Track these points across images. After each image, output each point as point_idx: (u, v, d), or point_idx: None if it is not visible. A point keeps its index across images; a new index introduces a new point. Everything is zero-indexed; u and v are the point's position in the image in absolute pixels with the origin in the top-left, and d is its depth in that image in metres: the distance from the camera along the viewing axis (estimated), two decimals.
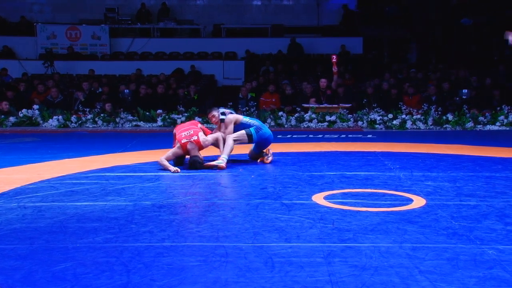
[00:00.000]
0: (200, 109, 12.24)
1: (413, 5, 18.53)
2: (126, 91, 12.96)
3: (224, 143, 6.27)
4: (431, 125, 10.94)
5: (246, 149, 6.77)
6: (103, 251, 3.28)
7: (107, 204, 4.45)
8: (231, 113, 6.63)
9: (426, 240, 3.46)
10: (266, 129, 6.52)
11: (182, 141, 6.14)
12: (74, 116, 11.59)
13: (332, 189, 4.98)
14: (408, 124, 10.91)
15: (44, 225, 3.85)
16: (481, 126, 10.81)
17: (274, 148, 7.07)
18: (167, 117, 11.66)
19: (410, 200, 4.54)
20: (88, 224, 3.87)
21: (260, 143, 6.46)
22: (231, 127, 6.39)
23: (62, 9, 19.30)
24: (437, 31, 17.09)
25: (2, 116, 11.57)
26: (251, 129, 6.39)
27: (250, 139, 6.40)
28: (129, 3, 19.25)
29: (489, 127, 10.77)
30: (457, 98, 12.05)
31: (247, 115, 11.46)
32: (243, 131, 6.38)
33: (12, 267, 3.05)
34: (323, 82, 12.10)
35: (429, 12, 17.66)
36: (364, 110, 11.48)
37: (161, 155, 6.29)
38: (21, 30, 18.25)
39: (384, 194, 4.79)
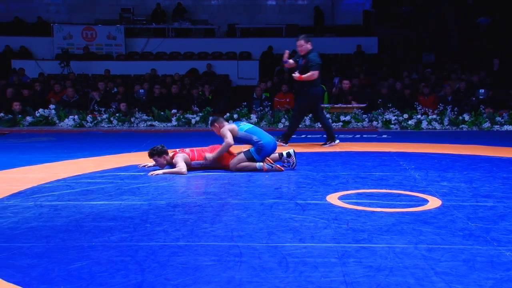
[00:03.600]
0: (214, 109, 12.28)
1: (429, 4, 18.39)
2: (141, 91, 13.04)
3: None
4: (447, 125, 10.85)
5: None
6: (118, 250, 3.30)
7: (122, 204, 4.48)
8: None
9: (442, 241, 3.43)
10: (266, 140, 5.99)
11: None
12: (89, 115, 11.70)
13: (347, 189, 4.96)
14: (424, 124, 10.83)
15: (60, 224, 3.88)
16: (498, 126, 10.70)
17: (288, 148, 7.05)
18: (181, 117, 11.71)
19: (425, 201, 4.50)
20: (103, 223, 3.90)
21: (264, 157, 6.06)
22: (228, 134, 5.99)
23: (78, 9, 19.50)
24: (453, 31, 16.94)
25: (19, 116, 11.71)
26: (251, 150, 6.00)
27: (252, 161, 6.00)
28: (144, 3, 19.37)
29: (506, 127, 10.65)
30: (474, 98, 11.94)
31: (260, 116, 11.52)
32: (242, 156, 6.00)
33: (29, 265, 3.09)
34: (345, 84, 12.02)
35: (445, 11, 17.51)
36: (379, 110, 11.42)
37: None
38: (38, 30, 18.46)
39: (399, 195, 4.76)
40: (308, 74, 7.59)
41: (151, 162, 6.19)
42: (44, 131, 10.90)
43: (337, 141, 8.12)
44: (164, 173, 5.84)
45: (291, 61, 7.96)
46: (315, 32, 18.34)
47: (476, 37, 16.58)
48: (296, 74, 7.67)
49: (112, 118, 11.61)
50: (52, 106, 11.94)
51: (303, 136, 9.73)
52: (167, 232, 3.65)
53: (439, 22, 17.68)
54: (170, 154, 6.09)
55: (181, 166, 5.90)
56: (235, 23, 18.94)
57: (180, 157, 5.99)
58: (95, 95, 12.93)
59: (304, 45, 7.66)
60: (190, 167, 6.02)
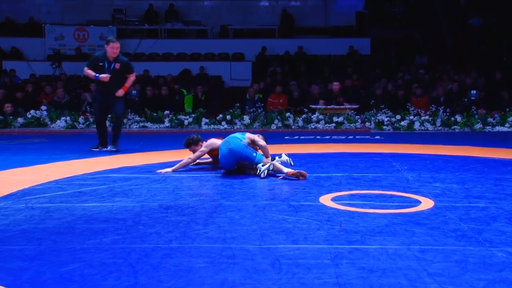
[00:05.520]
0: (207, 110, 12.28)
1: (422, 5, 18.46)
2: (134, 92, 13.02)
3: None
4: (439, 126, 10.91)
5: None
6: (110, 252, 3.29)
7: (114, 205, 4.46)
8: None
9: (435, 242, 3.45)
10: (219, 152, 5.86)
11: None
12: (81, 117, 11.65)
13: (340, 191, 4.97)
14: (416, 125, 10.88)
15: (52, 226, 3.86)
16: (490, 127, 10.76)
17: (281, 149, 7.07)
18: (174, 118, 11.70)
19: (418, 202, 4.52)
20: (95, 225, 3.88)
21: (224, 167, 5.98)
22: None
23: (70, 10, 19.38)
24: (446, 32, 17.02)
25: (11, 117, 11.65)
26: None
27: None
28: (137, 4, 19.30)
29: (498, 128, 10.71)
30: (466, 99, 12.00)
31: (253, 117, 11.53)
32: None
33: (20, 267, 3.07)
34: (336, 85, 12.03)
35: (437, 12, 17.58)
36: (372, 111, 11.45)
37: (168, 156, 6.30)
38: (29, 31, 18.35)
39: (392, 196, 4.77)
40: (131, 79, 7.71)
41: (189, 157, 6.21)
42: (36, 132, 10.85)
43: (109, 147, 7.78)
44: (173, 170, 5.99)
45: (103, 75, 7.52)
46: (284, 33, 18.26)
47: (468, 38, 16.66)
48: (105, 75, 7.44)
49: None
50: (43, 108, 11.88)
51: (296, 137, 9.74)
52: (159, 234, 3.65)
53: (432, 23, 17.75)
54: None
55: (192, 156, 6.05)
56: (228, 24, 18.92)
57: (204, 145, 6.10)
58: (87, 96, 12.88)
59: (119, 47, 7.63)
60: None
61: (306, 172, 5.61)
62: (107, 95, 7.63)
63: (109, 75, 7.50)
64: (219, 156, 5.89)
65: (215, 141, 6.09)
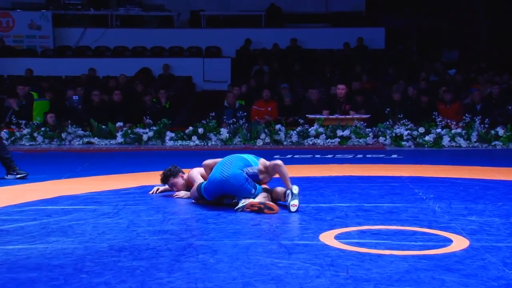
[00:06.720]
0: (173, 122, 12.27)
1: None
2: (75, 97, 12.98)
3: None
4: (475, 141, 11.00)
5: None
6: None
7: (48, 247, 4.43)
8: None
9: None
10: (211, 176, 5.78)
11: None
12: (5, 130, 11.57)
13: (346, 226, 4.98)
14: (445, 141, 10.97)
15: None
16: None
17: None
18: (129, 131, 11.67)
19: (448, 241, 4.54)
20: (22, 274, 3.84)
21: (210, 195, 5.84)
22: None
23: None
24: (482, 21, 17.27)
25: None
26: (202, 185, 5.86)
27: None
28: None
29: None
30: (510, 107, 12.12)
31: (233, 130, 11.55)
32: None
33: None
34: (341, 89, 12.08)
35: None
36: (387, 123, 11.53)
37: (123, 181, 6.27)
38: None
39: (414, 233, 4.79)
40: None
41: (161, 186, 6.44)
42: None
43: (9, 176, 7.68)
44: (189, 197, 6.10)
45: None
46: (273, 22, 18.37)
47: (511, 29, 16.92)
48: None
49: (36, 134, 11.51)
50: None
51: (289, 156, 9.76)
52: (109, 285, 3.62)
53: (464, 10, 18.00)
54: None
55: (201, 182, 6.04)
56: (200, 9, 19.02)
57: (196, 171, 6.18)
58: (13, 103, 12.82)
59: None
60: None
61: (275, 205, 5.51)
62: None
63: None
64: (209, 178, 5.81)
65: (200, 169, 6.18)
